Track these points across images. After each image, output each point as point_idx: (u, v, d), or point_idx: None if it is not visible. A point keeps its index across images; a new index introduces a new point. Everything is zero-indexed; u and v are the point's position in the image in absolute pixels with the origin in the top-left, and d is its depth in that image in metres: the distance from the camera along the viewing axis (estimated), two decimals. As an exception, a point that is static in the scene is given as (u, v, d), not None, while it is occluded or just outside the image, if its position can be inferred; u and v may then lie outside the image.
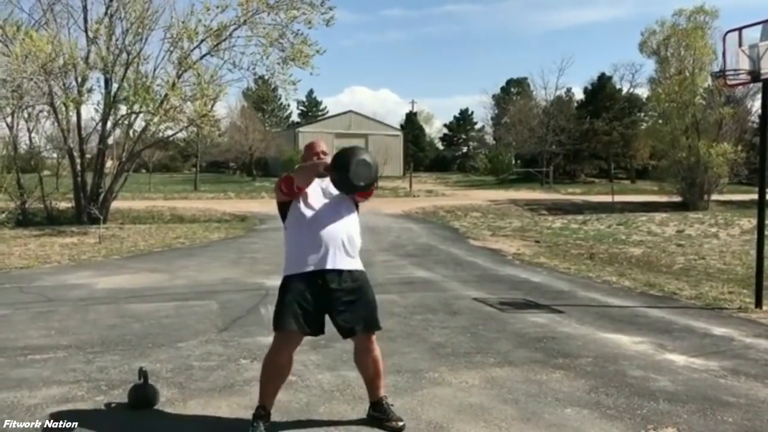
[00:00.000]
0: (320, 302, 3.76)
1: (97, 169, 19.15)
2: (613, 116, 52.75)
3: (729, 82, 8.32)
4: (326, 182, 3.88)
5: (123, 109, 18.26)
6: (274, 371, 3.84)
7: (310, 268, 3.74)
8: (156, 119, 17.79)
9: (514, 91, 69.15)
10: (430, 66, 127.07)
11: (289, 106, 74.43)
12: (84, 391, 4.53)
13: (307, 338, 5.89)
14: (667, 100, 29.73)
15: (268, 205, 27.23)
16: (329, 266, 3.75)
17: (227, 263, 11.41)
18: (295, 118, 75.98)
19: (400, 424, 3.91)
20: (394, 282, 9.24)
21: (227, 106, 54.18)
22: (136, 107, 17.71)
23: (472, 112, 79.08)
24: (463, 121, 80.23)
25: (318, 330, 3.83)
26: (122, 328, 6.44)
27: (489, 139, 74.79)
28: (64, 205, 19.72)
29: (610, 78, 57.07)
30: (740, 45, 7.66)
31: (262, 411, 3.82)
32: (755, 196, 9.08)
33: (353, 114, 60.32)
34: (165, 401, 4.32)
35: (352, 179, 3.68)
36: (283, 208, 3.92)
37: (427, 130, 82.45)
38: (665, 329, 6.53)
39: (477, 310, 7.45)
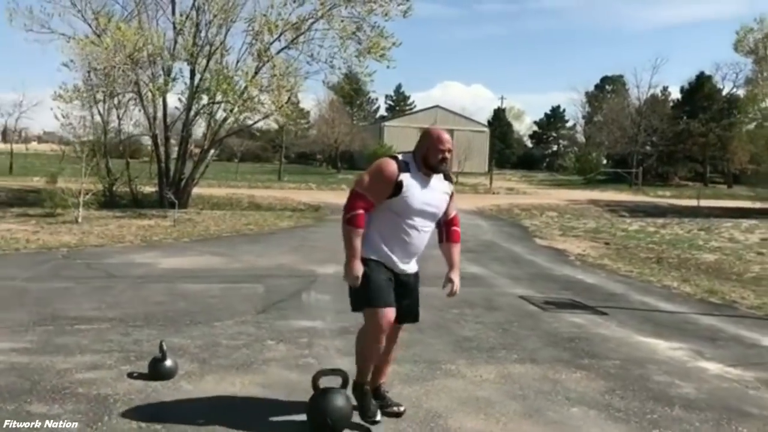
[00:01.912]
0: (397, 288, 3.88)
1: (180, 155, 19.96)
2: (711, 117, 50.40)
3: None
4: (437, 182, 3.92)
5: (205, 99, 18.93)
6: (378, 351, 3.87)
7: (392, 268, 3.85)
8: (236, 109, 18.39)
9: (608, 88, 67.10)
10: (524, 61, 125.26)
11: (377, 99, 75.11)
12: (113, 361, 4.79)
13: (336, 325, 6.06)
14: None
15: (344, 197, 27.60)
16: (409, 271, 3.94)
17: (287, 250, 11.70)
18: (382, 112, 76.58)
19: (401, 408, 3.97)
20: (443, 276, 9.12)
21: (315, 99, 55.17)
22: (217, 97, 18.35)
23: (564, 110, 77.45)
24: (554, 118, 78.71)
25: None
26: (168, 305, 6.74)
27: (580, 137, 72.96)
28: (149, 189, 20.67)
29: (710, 77, 54.52)
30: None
31: (368, 387, 3.94)
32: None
33: (440, 109, 60.16)
34: (183, 374, 4.52)
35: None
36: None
37: (517, 126, 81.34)
38: (711, 337, 6.27)
39: (517, 307, 7.36)
